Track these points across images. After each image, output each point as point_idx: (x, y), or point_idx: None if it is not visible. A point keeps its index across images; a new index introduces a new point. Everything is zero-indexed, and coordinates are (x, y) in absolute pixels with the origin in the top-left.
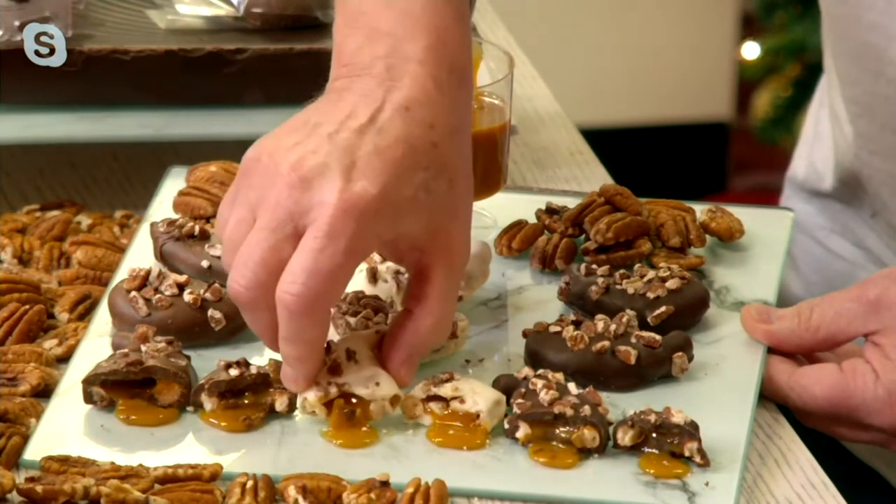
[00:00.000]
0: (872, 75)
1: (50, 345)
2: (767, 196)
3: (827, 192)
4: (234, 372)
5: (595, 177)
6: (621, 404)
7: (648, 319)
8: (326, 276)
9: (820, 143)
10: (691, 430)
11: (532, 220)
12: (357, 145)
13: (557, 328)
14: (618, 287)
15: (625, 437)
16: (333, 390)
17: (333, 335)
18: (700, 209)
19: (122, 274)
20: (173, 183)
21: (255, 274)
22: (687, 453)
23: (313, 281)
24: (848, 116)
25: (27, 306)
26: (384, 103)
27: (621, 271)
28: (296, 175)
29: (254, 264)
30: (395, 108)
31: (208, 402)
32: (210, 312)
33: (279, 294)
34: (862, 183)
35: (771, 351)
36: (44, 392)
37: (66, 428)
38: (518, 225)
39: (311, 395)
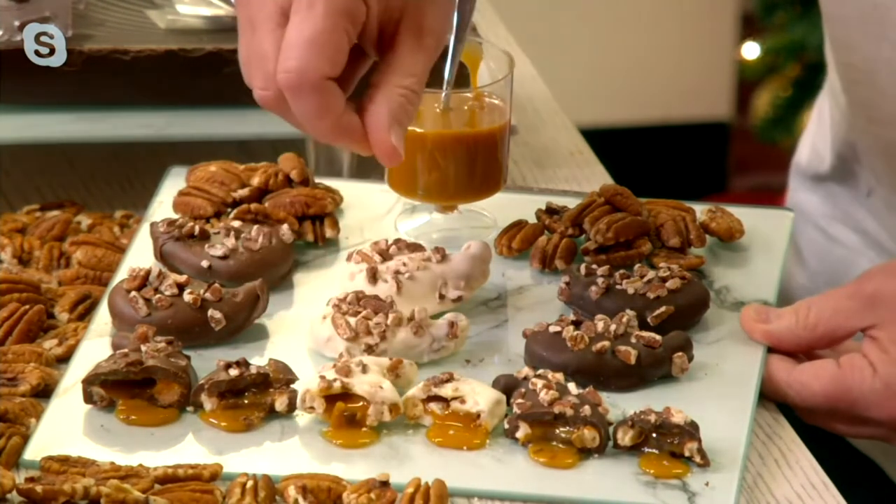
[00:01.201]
0: (875, 39)
1: (50, 345)
2: (767, 196)
3: (827, 173)
4: (234, 372)
5: (595, 177)
6: (621, 404)
7: (648, 319)
8: (312, 42)
9: (822, 126)
10: (691, 430)
11: (532, 220)
12: None
13: (557, 328)
14: (618, 287)
15: (625, 437)
16: (337, 385)
17: (336, 337)
18: (700, 209)
19: (122, 274)
20: (173, 183)
21: (264, 69)
22: (687, 453)
23: (301, 51)
24: (843, 85)
25: (27, 306)
26: None
27: (621, 271)
28: None
29: (258, 61)
30: None
31: (208, 402)
32: (210, 312)
33: (277, 79)
34: (857, 156)
35: (771, 350)
36: (44, 392)
37: (66, 428)
38: (518, 225)
39: (314, 386)
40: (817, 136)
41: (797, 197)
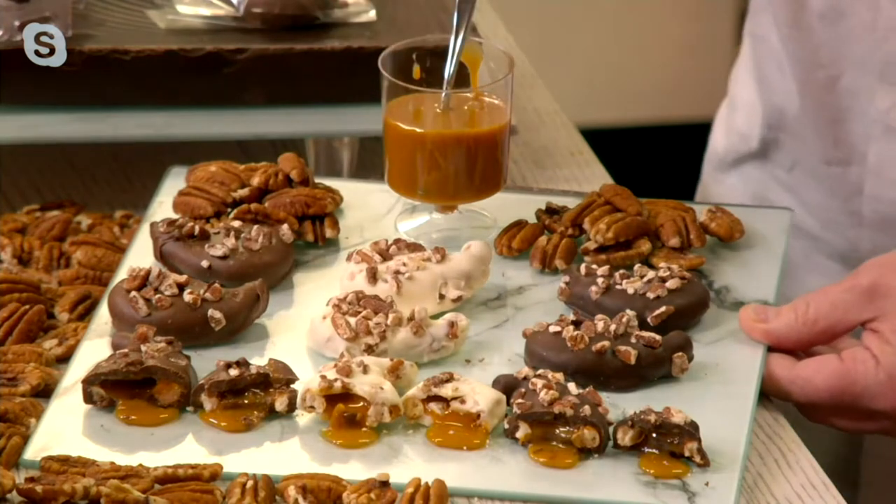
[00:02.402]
0: (798, 6)
1: (50, 345)
2: None
3: (752, 151)
4: (234, 372)
5: (595, 177)
6: (621, 404)
7: (648, 319)
8: None
9: (741, 108)
10: (691, 430)
11: (532, 220)
12: None
13: (557, 328)
14: (618, 287)
15: (625, 437)
16: (338, 385)
17: (336, 337)
18: (700, 209)
19: (122, 274)
20: (173, 183)
21: None
22: (687, 453)
23: None
24: (783, 43)
25: (27, 306)
26: None
27: (621, 271)
28: None
29: None
30: None
31: (208, 402)
32: (210, 312)
33: None
34: (786, 124)
35: (771, 349)
36: (44, 392)
37: (66, 428)
38: (518, 225)
39: (315, 386)
40: (734, 119)
41: (707, 191)
